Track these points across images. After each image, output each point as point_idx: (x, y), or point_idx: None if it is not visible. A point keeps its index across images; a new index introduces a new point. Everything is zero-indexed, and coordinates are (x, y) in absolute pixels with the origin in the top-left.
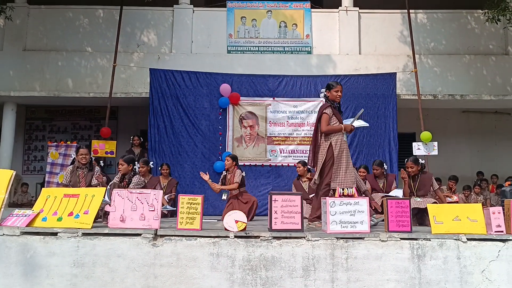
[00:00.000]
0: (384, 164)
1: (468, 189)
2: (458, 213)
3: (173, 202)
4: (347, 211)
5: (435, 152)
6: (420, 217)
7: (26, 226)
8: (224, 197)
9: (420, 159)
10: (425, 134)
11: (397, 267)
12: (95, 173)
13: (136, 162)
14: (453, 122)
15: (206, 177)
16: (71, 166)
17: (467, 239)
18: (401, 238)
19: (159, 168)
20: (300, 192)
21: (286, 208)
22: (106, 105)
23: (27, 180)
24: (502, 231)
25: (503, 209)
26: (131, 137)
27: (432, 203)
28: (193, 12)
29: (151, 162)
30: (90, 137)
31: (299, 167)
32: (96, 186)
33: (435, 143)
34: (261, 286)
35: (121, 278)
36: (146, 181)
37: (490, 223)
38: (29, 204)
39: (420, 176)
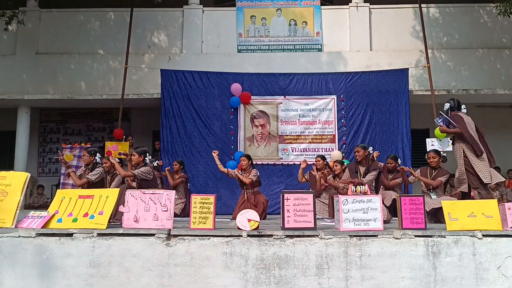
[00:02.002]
0: (399, 159)
1: None
2: (473, 209)
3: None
4: (360, 208)
5: (450, 148)
6: (435, 214)
7: (42, 227)
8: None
9: (442, 153)
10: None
11: (412, 265)
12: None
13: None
14: None
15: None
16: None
17: (483, 235)
18: (415, 236)
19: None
20: (313, 191)
21: (299, 206)
22: (119, 106)
23: (43, 182)
24: None
25: None
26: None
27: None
28: (203, 12)
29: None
30: (104, 138)
31: (318, 161)
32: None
33: (450, 139)
34: (274, 285)
35: (136, 278)
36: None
37: (506, 219)
38: (45, 206)
39: (438, 170)
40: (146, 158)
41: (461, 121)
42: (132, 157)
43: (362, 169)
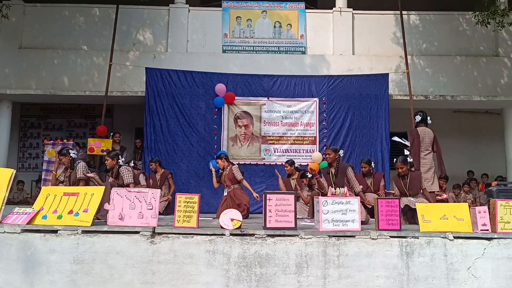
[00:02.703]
0: (372, 162)
1: (458, 188)
2: (445, 212)
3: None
4: (339, 210)
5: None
6: (411, 216)
7: (27, 224)
8: (225, 193)
9: (408, 158)
10: None
11: (387, 264)
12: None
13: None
14: (444, 122)
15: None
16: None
17: (454, 237)
18: (390, 236)
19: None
20: (294, 192)
21: (280, 207)
22: (102, 103)
23: (22, 178)
24: (488, 230)
25: (489, 209)
26: (111, 134)
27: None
28: (189, 12)
29: (122, 158)
30: (85, 134)
31: (286, 166)
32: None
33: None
34: (255, 282)
35: (119, 274)
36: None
37: (476, 222)
38: (25, 202)
39: (410, 175)
40: (119, 161)
41: (416, 137)
42: (106, 162)
43: (334, 171)
